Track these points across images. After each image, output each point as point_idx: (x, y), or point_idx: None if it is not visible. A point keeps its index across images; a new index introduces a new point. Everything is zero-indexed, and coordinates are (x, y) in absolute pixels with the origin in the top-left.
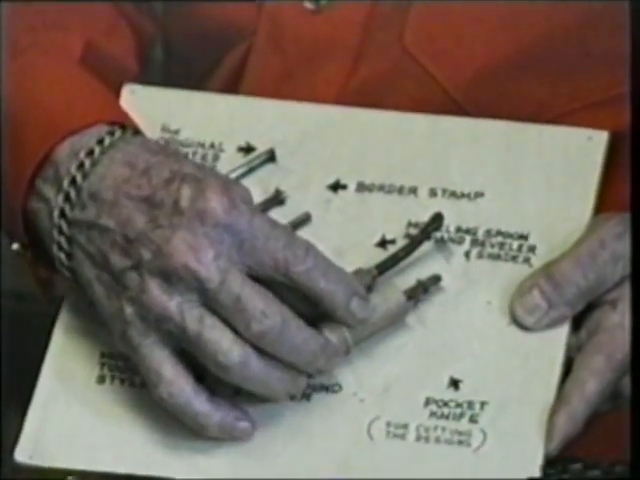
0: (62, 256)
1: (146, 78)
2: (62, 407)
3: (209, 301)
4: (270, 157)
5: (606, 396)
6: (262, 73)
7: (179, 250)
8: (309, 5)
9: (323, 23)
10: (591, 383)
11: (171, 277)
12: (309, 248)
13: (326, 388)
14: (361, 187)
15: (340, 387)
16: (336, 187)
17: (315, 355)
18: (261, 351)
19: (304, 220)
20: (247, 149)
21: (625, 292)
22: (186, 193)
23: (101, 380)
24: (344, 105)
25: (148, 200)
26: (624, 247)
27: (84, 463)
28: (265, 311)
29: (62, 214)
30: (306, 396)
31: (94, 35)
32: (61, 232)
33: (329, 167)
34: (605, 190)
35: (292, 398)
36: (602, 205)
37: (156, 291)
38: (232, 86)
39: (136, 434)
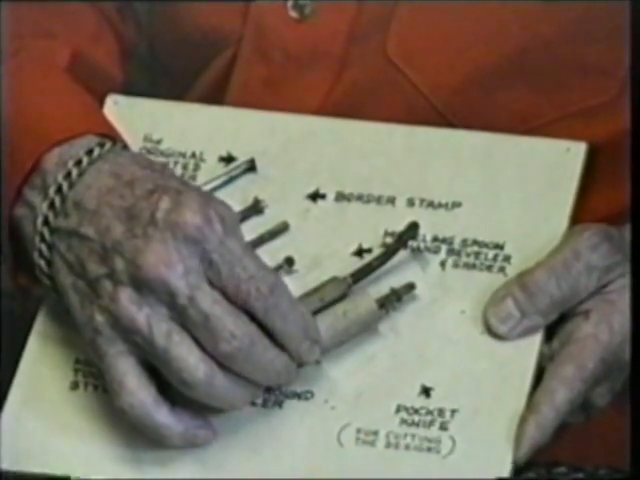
0: (42, 263)
1: (132, 86)
2: (34, 412)
3: (179, 315)
4: (250, 167)
5: (576, 406)
6: (247, 81)
7: (150, 262)
8: (293, 14)
9: (307, 32)
10: (561, 392)
11: (142, 288)
12: (274, 286)
13: (298, 395)
14: (340, 197)
15: (312, 394)
16: (315, 197)
17: (279, 374)
18: (226, 368)
19: (282, 229)
20: (228, 159)
21: (598, 303)
22: (163, 205)
23: (74, 386)
24: (328, 113)
25: (128, 210)
26: (598, 258)
27: (55, 468)
28: (234, 332)
29: (45, 221)
30: (278, 403)
31: (80, 43)
32: (43, 239)
33: (309, 177)
34: (582, 201)
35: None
36: (579, 216)
37: (126, 301)
38: (217, 93)
39: (107, 441)
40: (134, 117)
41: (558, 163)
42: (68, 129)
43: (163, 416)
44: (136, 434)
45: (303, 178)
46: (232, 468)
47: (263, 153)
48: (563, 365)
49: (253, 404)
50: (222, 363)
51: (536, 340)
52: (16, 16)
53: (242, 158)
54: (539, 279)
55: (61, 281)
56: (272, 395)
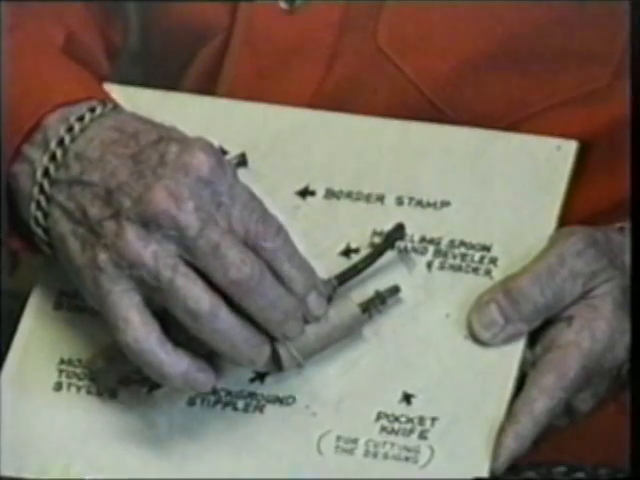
0: (39, 215)
1: (125, 78)
2: (16, 413)
3: (186, 250)
4: (241, 161)
5: (557, 414)
6: (237, 73)
7: (160, 197)
8: (283, 5)
9: (297, 23)
10: (540, 402)
11: (149, 224)
12: (281, 229)
13: (280, 400)
14: (329, 194)
15: (294, 399)
16: (305, 193)
17: (287, 315)
18: (233, 306)
19: None
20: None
21: (582, 309)
22: (173, 149)
23: (58, 387)
24: (319, 105)
25: (134, 157)
26: (583, 264)
27: (35, 472)
28: (244, 260)
29: (46, 173)
30: (259, 408)
31: (73, 27)
32: (42, 191)
33: (299, 172)
34: (577, 192)
35: (253, 365)
36: (573, 208)
37: (132, 237)
38: (207, 85)
39: (89, 443)
40: (127, 107)
41: (548, 162)
42: (70, 94)
43: (167, 353)
44: (118, 438)
45: (293, 174)
46: (211, 473)
47: (254, 147)
48: (544, 373)
49: (235, 409)
50: (230, 296)
51: (519, 347)
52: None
53: (234, 151)
54: (523, 286)
55: (59, 231)
56: (254, 400)
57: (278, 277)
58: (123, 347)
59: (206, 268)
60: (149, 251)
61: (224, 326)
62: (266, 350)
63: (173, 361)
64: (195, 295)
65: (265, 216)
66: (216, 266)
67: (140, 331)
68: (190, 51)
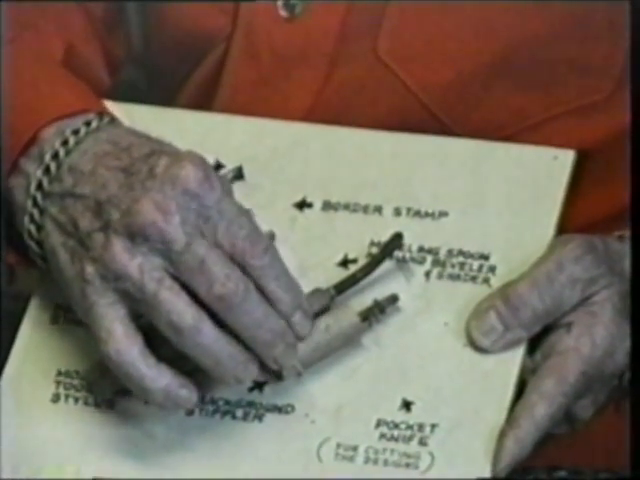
0: (32, 228)
1: (130, 86)
2: (14, 425)
3: (172, 264)
4: (238, 175)
5: (557, 420)
6: (237, 81)
7: (147, 210)
8: (284, 13)
9: (297, 31)
10: (540, 407)
11: (136, 237)
12: (269, 247)
13: (279, 409)
14: (327, 206)
15: (293, 408)
16: (302, 205)
17: (274, 335)
18: (219, 322)
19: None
20: (216, 166)
21: (581, 315)
22: (162, 162)
23: (56, 399)
24: (318, 113)
25: (125, 169)
26: (582, 270)
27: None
28: (229, 275)
29: (39, 186)
30: (258, 417)
31: (73, 40)
32: (35, 204)
33: (296, 185)
34: (575, 203)
35: (239, 382)
36: (572, 219)
37: (119, 249)
38: (208, 93)
39: (87, 454)
40: (124, 123)
41: (545, 171)
42: (67, 107)
43: (148, 367)
44: (115, 447)
45: (290, 186)
46: None
47: (251, 160)
48: (544, 379)
49: (233, 418)
50: (215, 311)
51: (518, 353)
52: (11, 7)
53: (230, 165)
54: (522, 292)
55: (51, 243)
56: (252, 409)
57: (265, 296)
58: (105, 359)
59: (191, 282)
60: (135, 264)
61: (207, 341)
62: (252, 368)
63: (154, 375)
64: (179, 309)
65: (253, 233)
66: (201, 281)
67: (122, 343)
68: (192, 60)
